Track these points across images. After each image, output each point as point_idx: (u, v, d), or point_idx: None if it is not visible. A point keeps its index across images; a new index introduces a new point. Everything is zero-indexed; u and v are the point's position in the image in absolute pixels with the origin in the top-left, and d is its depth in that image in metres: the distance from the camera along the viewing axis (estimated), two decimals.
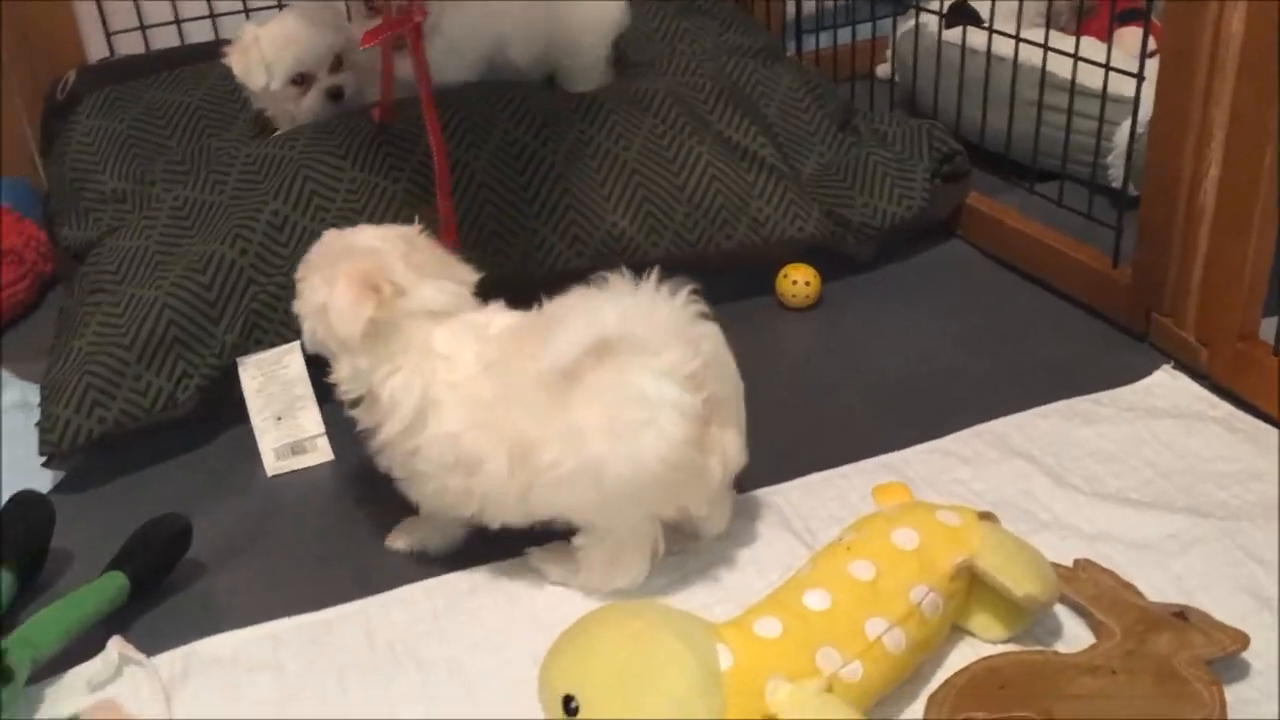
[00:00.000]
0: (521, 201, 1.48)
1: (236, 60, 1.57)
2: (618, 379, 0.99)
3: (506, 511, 1.05)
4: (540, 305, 1.07)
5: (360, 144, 1.46)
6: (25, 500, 1.18)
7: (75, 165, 1.67)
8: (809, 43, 2.15)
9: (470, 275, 1.12)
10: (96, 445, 1.30)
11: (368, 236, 1.09)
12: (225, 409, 1.36)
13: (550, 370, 0.98)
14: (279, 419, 1.32)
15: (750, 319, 1.52)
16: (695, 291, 1.02)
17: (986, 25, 1.73)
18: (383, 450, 1.07)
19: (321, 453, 1.31)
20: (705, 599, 1.06)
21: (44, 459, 1.29)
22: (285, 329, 1.36)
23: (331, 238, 1.11)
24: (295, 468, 1.30)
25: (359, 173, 1.45)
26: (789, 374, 1.42)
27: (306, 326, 1.09)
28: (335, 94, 1.56)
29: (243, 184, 1.46)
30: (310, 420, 1.32)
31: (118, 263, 1.45)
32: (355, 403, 1.09)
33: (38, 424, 1.30)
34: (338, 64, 1.56)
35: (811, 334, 1.52)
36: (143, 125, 1.70)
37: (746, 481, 1.16)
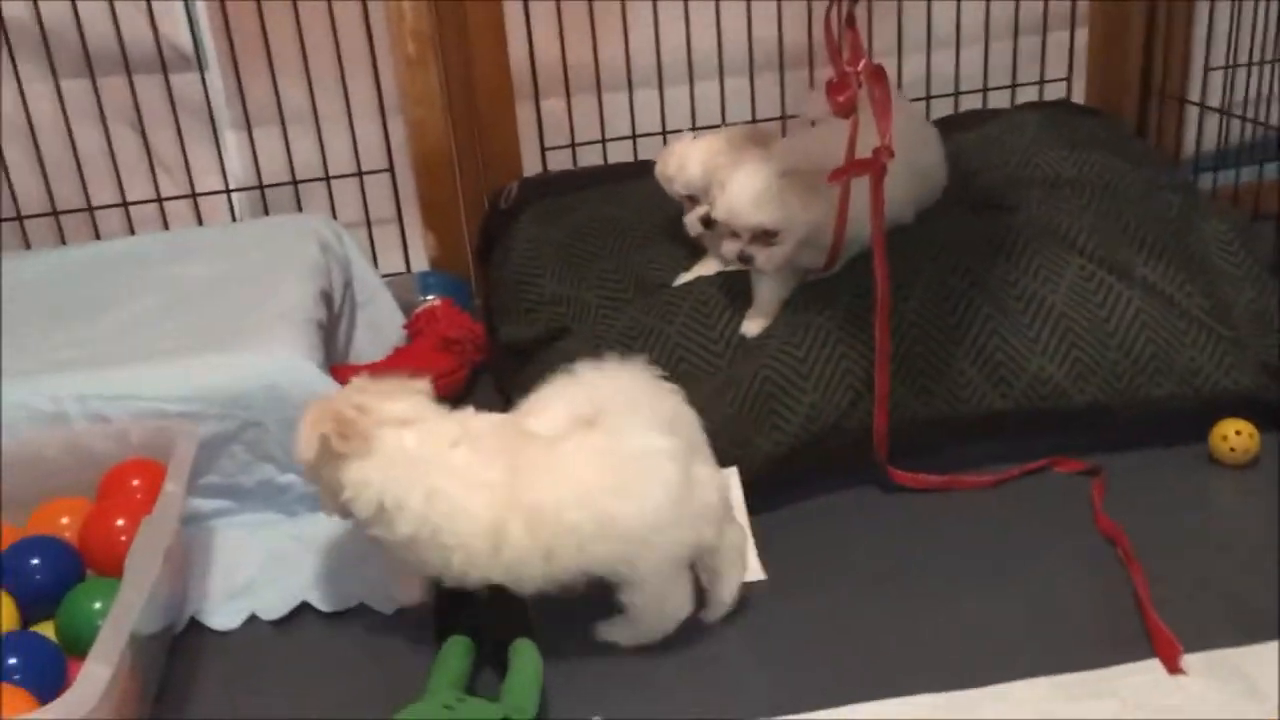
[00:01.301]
0: (950, 343, 1.51)
1: (661, 160, 1.69)
2: (611, 442, 1.19)
3: (533, 574, 1.20)
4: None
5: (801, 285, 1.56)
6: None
7: (517, 269, 1.83)
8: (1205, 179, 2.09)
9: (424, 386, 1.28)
10: None
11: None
12: None
13: (546, 441, 1.19)
14: None
15: (1179, 470, 1.49)
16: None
17: None
18: (410, 546, 1.21)
19: (753, 571, 1.37)
20: None
21: None
22: (725, 456, 1.42)
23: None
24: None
25: (795, 314, 1.53)
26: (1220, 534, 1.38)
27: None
28: (705, 222, 1.63)
29: (691, 321, 1.57)
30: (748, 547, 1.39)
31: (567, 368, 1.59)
32: (368, 520, 1.22)
33: None
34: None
35: (1245, 492, 1.46)
36: (578, 236, 1.84)
37: (1203, 637, 1.17)
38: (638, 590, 1.22)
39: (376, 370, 1.77)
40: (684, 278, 1.70)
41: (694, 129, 2.07)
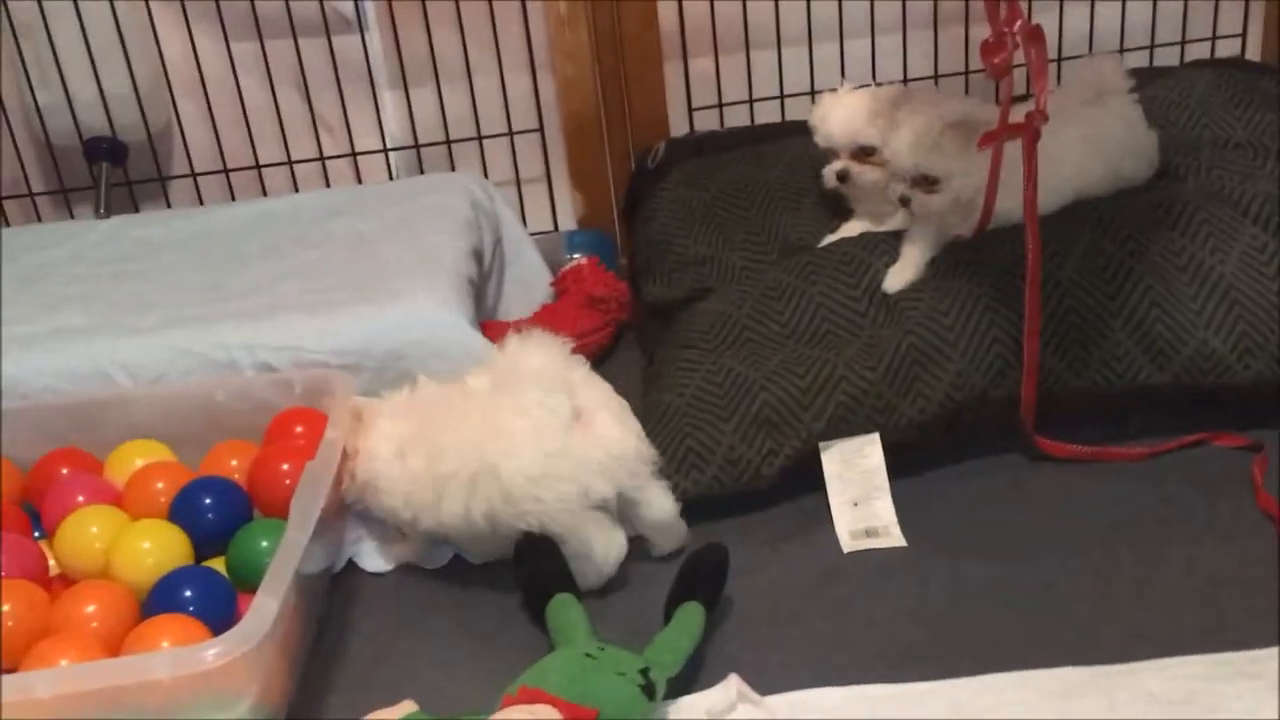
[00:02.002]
0: (1106, 313, 1.46)
1: (814, 109, 1.67)
2: (501, 398, 1.31)
3: (442, 521, 1.31)
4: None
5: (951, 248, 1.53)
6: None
7: (663, 229, 1.85)
8: None
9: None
10: (689, 503, 1.44)
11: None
12: (800, 485, 1.46)
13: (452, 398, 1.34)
14: (855, 504, 1.40)
15: None
16: None
17: None
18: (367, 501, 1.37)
19: (894, 538, 1.37)
20: None
21: None
22: (868, 421, 1.44)
23: None
24: (868, 547, 1.37)
25: (943, 279, 1.51)
26: None
27: None
28: (840, 176, 1.62)
29: (835, 281, 1.56)
30: (884, 509, 1.39)
31: (710, 325, 1.60)
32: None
33: None
34: (865, 155, 1.61)
35: None
36: (724, 197, 1.84)
37: None
38: (563, 542, 1.30)
39: (523, 327, 1.83)
40: (829, 239, 1.69)
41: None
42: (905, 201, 1.50)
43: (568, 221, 2.16)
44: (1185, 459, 1.45)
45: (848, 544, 1.38)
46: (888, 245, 1.58)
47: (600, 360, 1.92)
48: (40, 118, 2.01)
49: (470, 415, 1.31)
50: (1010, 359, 1.44)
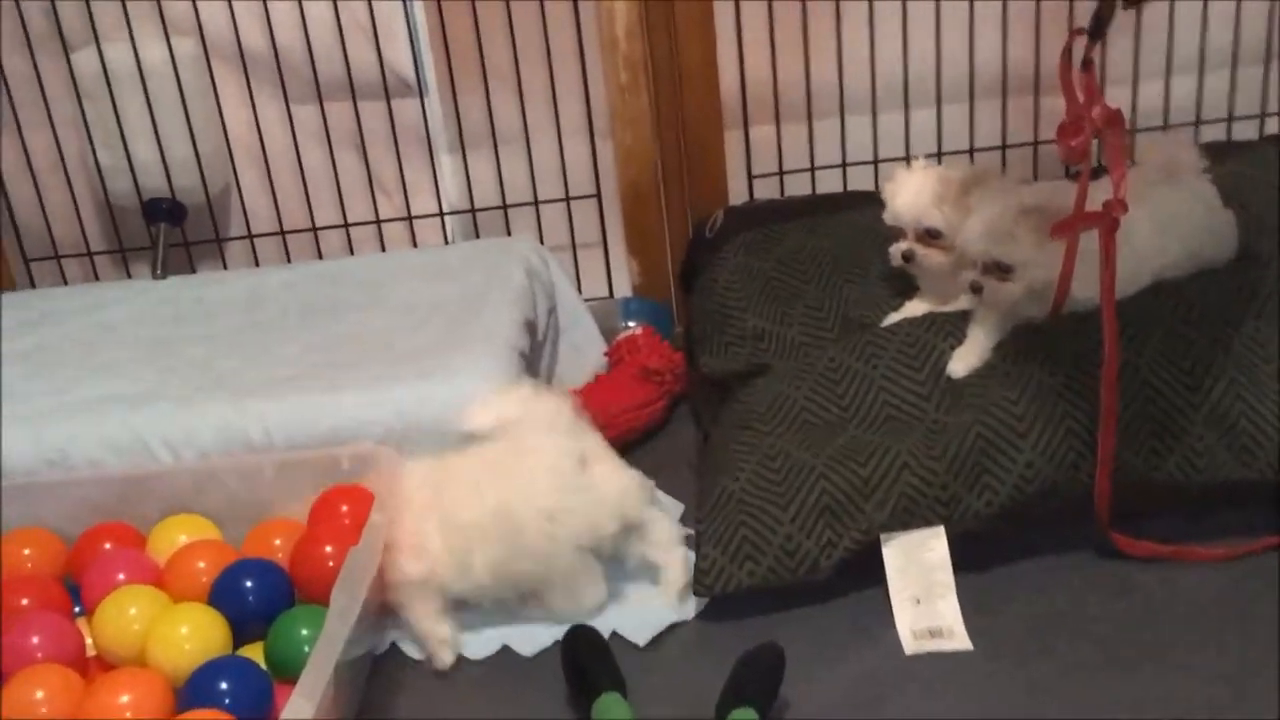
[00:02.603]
0: (1186, 404, 1.39)
1: (886, 185, 1.61)
2: (509, 445, 1.37)
3: (471, 583, 1.35)
4: None
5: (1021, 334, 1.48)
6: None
7: (721, 300, 1.80)
8: None
9: None
10: (743, 594, 1.38)
11: None
12: (860, 579, 1.40)
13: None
14: (918, 601, 1.34)
15: None
16: None
17: None
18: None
19: (959, 640, 1.31)
20: None
21: (694, 592, 1.40)
22: (932, 513, 1.38)
23: None
24: (932, 650, 1.31)
25: (1012, 365, 1.44)
26: None
27: None
28: (905, 257, 1.57)
29: (898, 364, 1.51)
30: (949, 608, 1.33)
31: (768, 405, 1.56)
32: None
33: (696, 565, 1.41)
34: (931, 237, 1.55)
35: None
36: (784, 268, 1.80)
37: None
38: (553, 587, 1.36)
39: (577, 398, 1.79)
40: (892, 318, 1.63)
41: (907, 157, 2.00)
42: (977, 289, 1.44)
43: (623, 288, 2.12)
44: (1270, 562, 1.37)
45: (910, 645, 1.31)
46: (953, 327, 1.53)
47: (653, 433, 1.89)
48: (101, 178, 2.02)
49: (482, 465, 1.37)
50: (1084, 450, 1.38)
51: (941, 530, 1.36)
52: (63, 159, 2.05)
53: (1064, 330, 1.45)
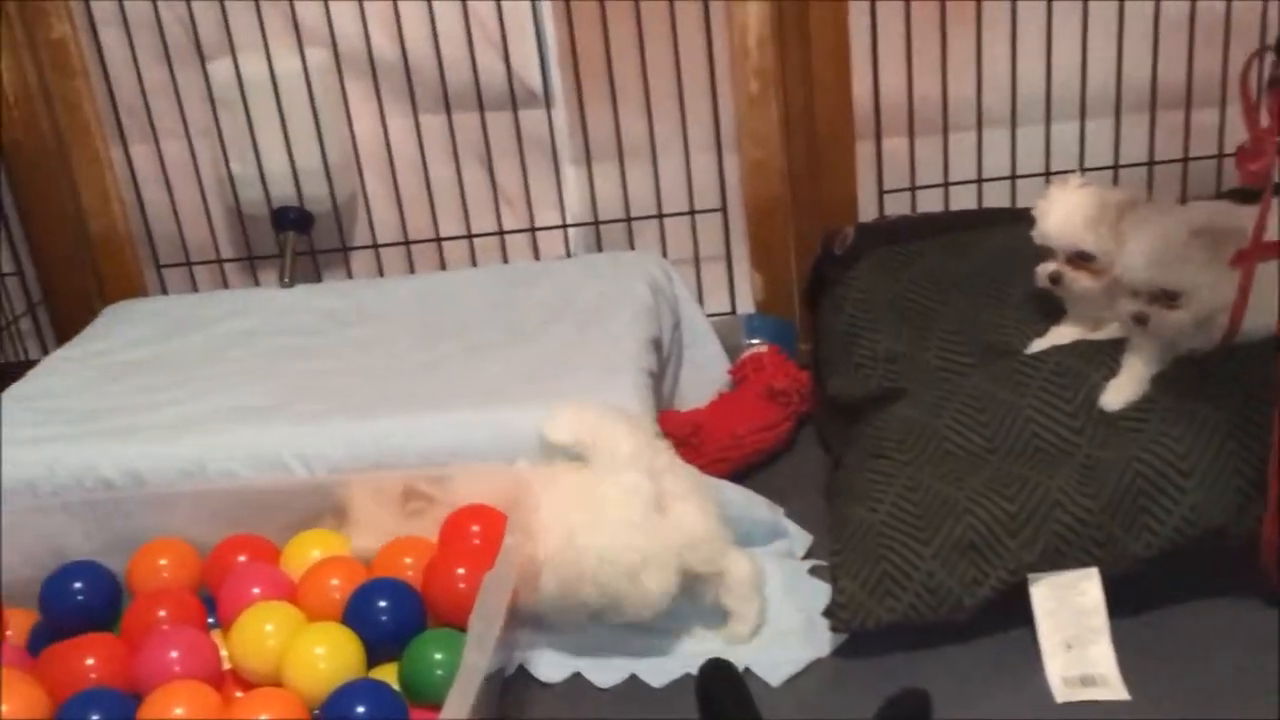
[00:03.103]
0: None
1: (1040, 202, 1.54)
2: (591, 475, 1.35)
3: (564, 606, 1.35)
4: None
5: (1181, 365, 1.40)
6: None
7: (850, 320, 1.74)
8: None
9: None
10: (882, 631, 1.33)
11: None
12: (1006, 619, 1.34)
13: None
14: (1069, 647, 1.28)
15: None
16: None
17: None
18: None
19: (1114, 689, 1.24)
20: None
21: (831, 628, 1.36)
22: (1085, 554, 1.31)
23: None
24: (1084, 698, 1.25)
25: (1173, 399, 1.37)
26: None
27: None
28: (1053, 279, 1.50)
29: (1047, 394, 1.44)
30: (1103, 654, 1.26)
31: (904, 433, 1.50)
32: None
33: (832, 599, 1.36)
34: (1082, 260, 1.48)
35: None
36: (918, 289, 1.74)
37: None
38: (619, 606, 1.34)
39: (701, 419, 1.76)
40: (1038, 344, 1.56)
41: (1047, 173, 1.93)
42: (1142, 320, 1.37)
43: (745, 304, 2.08)
44: None
45: (1061, 693, 1.25)
46: (1105, 355, 1.46)
47: (778, 455, 1.85)
48: (233, 186, 2.05)
49: (560, 490, 1.36)
50: (1251, 493, 1.30)
51: (1095, 572, 1.30)
52: (196, 167, 2.08)
53: (1229, 361, 1.37)
